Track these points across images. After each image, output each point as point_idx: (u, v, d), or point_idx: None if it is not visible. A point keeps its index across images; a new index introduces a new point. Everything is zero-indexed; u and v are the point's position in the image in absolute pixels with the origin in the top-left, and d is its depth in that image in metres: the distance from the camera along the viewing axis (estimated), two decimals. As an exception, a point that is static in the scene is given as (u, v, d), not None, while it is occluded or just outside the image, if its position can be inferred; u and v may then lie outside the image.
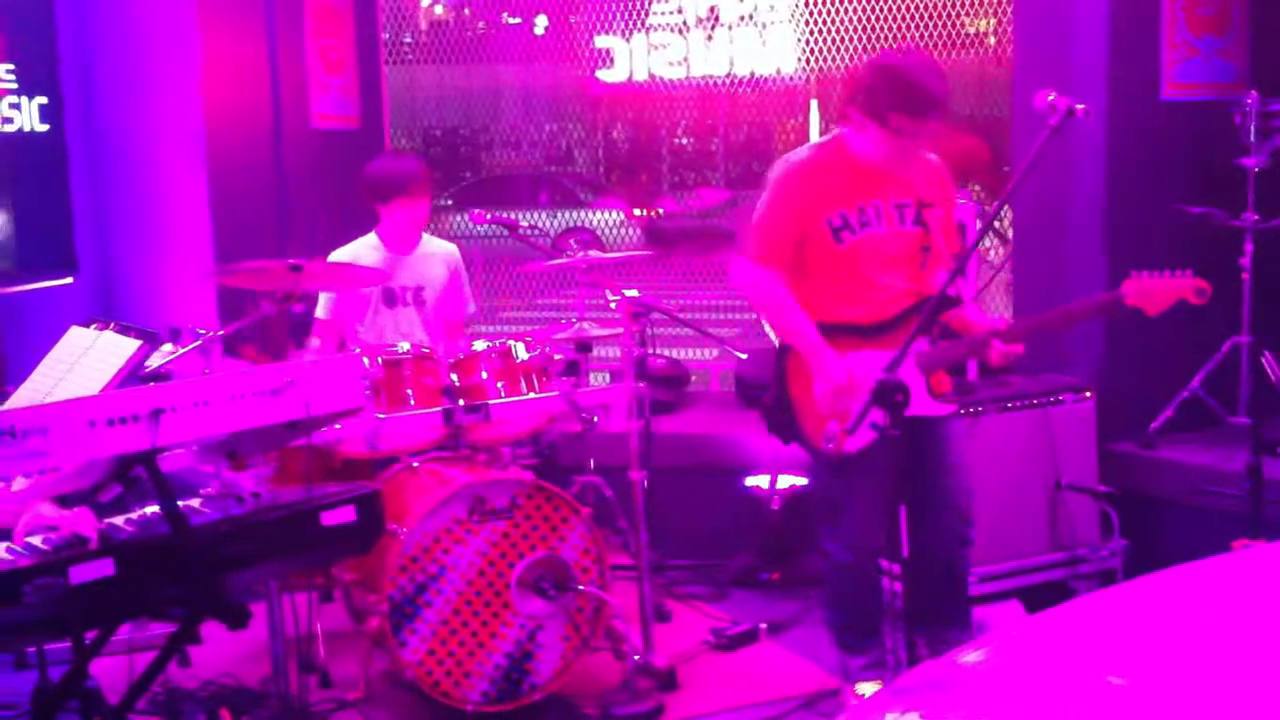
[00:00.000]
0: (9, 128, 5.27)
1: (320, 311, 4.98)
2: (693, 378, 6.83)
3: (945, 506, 4.03)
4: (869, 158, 3.80)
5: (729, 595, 5.33)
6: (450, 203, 11.21)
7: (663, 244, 9.54)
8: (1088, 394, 5.03)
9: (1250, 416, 4.81)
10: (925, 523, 4.07)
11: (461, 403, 4.24)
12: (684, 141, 11.30)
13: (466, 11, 10.62)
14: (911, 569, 4.09)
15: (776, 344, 3.97)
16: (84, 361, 3.23)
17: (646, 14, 7.71)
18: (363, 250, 5.02)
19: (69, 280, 5.54)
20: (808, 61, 7.42)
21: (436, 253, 5.14)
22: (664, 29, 7.77)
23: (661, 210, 10.89)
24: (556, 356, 4.49)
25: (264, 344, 4.40)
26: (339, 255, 5.00)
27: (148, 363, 3.53)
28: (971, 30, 7.31)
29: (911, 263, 3.86)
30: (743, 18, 7.61)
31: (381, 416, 4.10)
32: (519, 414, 4.37)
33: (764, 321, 3.99)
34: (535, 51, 8.48)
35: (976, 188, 7.60)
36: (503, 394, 4.31)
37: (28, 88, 5.35)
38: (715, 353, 7.38)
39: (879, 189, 3.82)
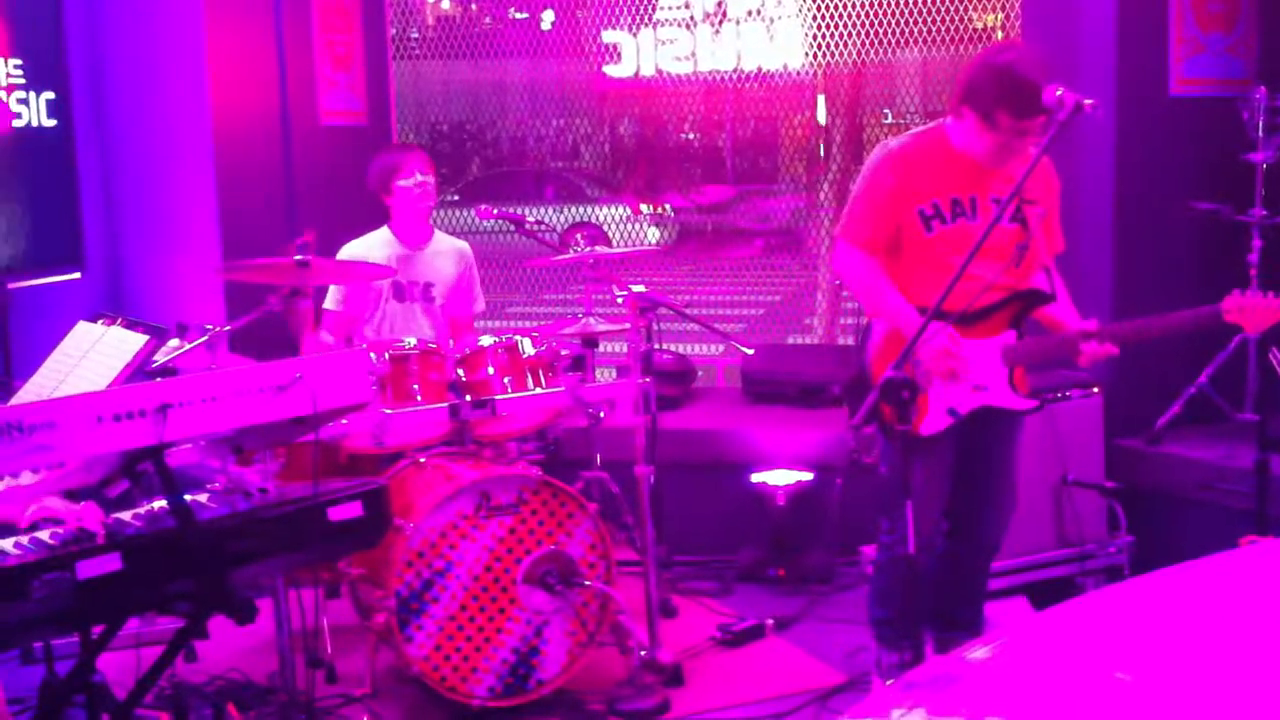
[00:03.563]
0: (17, 123, 5.28)
1: (330, 303, 4.98)
2: (699, 373, 6.83)
3: (989, 514, 4.07)
4: (970, 151, 3.76)
5: (735, 591, 5.32)
6: (457, 198, 11.21)
7: (670, 239, 9.54)
8: (1095, 390, 5.02)
9: (1257, 413, 4.79)
10: (964, 528, 4.07)
11: (468, 398, 4.24)
12: (691, 137, 11.26)
13: (473, 7, 10.62)
14: (939, 569, 4.10)
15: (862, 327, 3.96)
16: (91, 356, 3.23)
17: (654, 9, 7.69)
18: (375, 244, 5.01)
19: (77, 275, 5.55)
20: (815, 56, 7.41)
21: (448, 249, 5.14)
22: (671, 24, 7.74)
23: (669, 206, 10.88)
24: (563, 352, 4.49)
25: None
26: (350, 248, 5.00)
27: (154, 358, 3.52)
28: (979, 25, 7.29)
29: (1006, 258, 3.76)
30: (750, 12, 7.59)
31: (388, 412, 4.10)
32: (525, 409, 4.37)
33: (858, 302, 3.97)
34: (542, 47, 8.45)
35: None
36: (509, 389, 4.31)
37: (36, 83, 5.35)
38: (721, 348, 7.38)
39: (978, 182, 3.79)
